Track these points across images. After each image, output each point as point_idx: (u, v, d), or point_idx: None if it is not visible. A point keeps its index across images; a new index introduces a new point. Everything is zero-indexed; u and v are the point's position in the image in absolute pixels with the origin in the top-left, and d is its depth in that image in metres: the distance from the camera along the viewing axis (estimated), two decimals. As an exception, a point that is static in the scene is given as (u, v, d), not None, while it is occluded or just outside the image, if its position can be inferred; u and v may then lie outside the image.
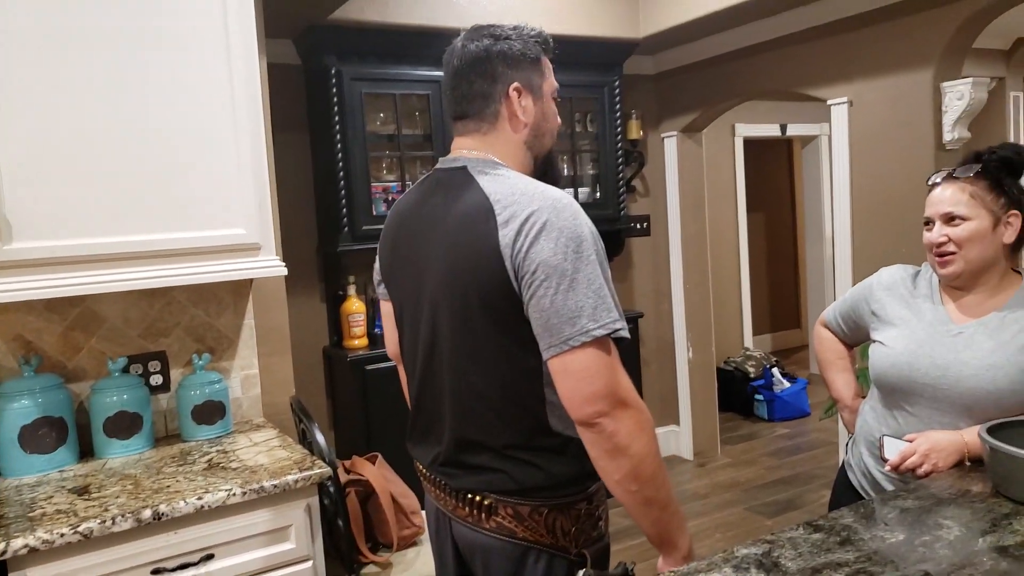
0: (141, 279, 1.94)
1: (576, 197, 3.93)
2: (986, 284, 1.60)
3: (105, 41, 1.87)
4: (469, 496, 1.31)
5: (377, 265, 1.54)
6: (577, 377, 1.17)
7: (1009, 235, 1.57)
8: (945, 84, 3.03)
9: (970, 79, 2.95)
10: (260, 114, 2.08)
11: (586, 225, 1.22)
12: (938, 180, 1.64)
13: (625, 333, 1.20)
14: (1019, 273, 1.62)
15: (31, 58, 1.79)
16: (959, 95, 2.97)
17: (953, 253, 1.58)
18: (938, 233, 1.59)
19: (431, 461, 1.39)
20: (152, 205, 1.94)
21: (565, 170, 4.03)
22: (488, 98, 1.33)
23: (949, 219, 1.58)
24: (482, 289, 1.23)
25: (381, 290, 1.55)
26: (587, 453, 1.24)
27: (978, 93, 2.97)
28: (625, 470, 1.20)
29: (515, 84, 1.33)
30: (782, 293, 7.45)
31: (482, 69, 1.33)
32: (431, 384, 1.37)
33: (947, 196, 1.59)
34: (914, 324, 1.66)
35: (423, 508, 2.20)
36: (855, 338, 1.87)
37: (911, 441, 1.57)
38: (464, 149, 1.36)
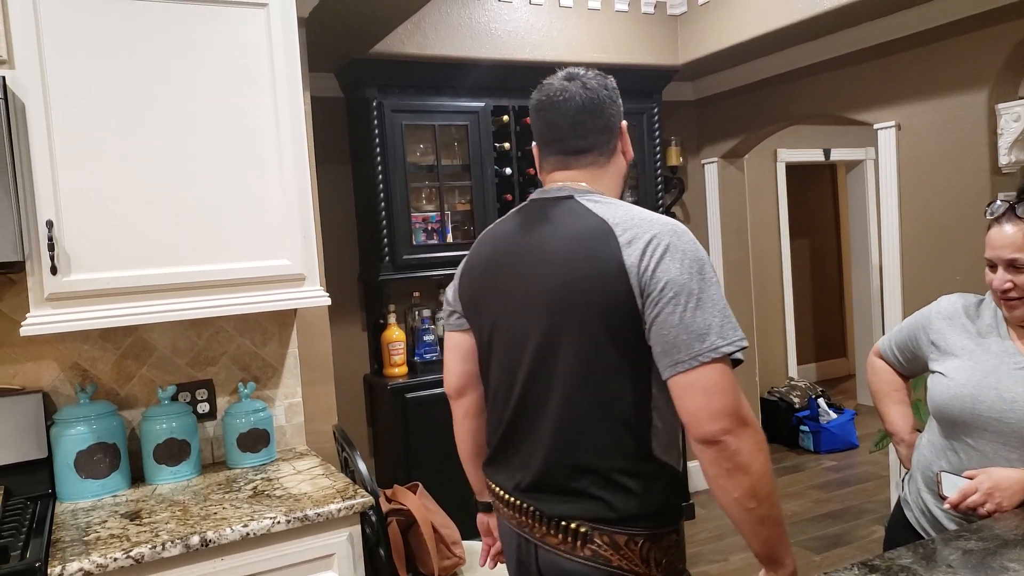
0: (190, 309, 1.99)
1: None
2: None
3: (160, 82, 1.93)
4: (563, 523, 1.31)
5: (451, 295, 1.55)
6: (706, 393, 1.19)
7: None
8: (1001, 106, 2.96)
9: (1026, 99, 2.88)
10: (304, 148, 2.13)
11: (702, 249, 1.27)
12: (999, 215, 1.55)
13: (743, 353, 1.23)
14: None
15: (94, 98, 1.86)
16: (1016, 116, 2.90)
17: (1020, 298, 1.53)
18: (1002, 279, 1.53)
19: (515, 487, 1.39)
20: (201, 238, 2.00)
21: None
22: (610, 134, 1.42)
23: (1013, 265, 1.51)
24: (604, 307, 1.25)
25: (453, 320, 1.56)
26: (678, 481, 1.31)
27: (1034, 115, 2.89)
28: (745, 488, 1.21)
29: (623, 122, 1.45)
30: (827, 321, 7.31)
31: (603, 109, 1.40)
32: (529, 408, 1.36)
33: (1009, 240, 1.51)
34: (978, 355, 1.59)
35: (464, 538, 2.19)
36: (912, 369, 1.81)
37: (971, 478, 1.51)
38: (568, 181, 1.40)
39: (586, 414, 1.29)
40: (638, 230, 1.25)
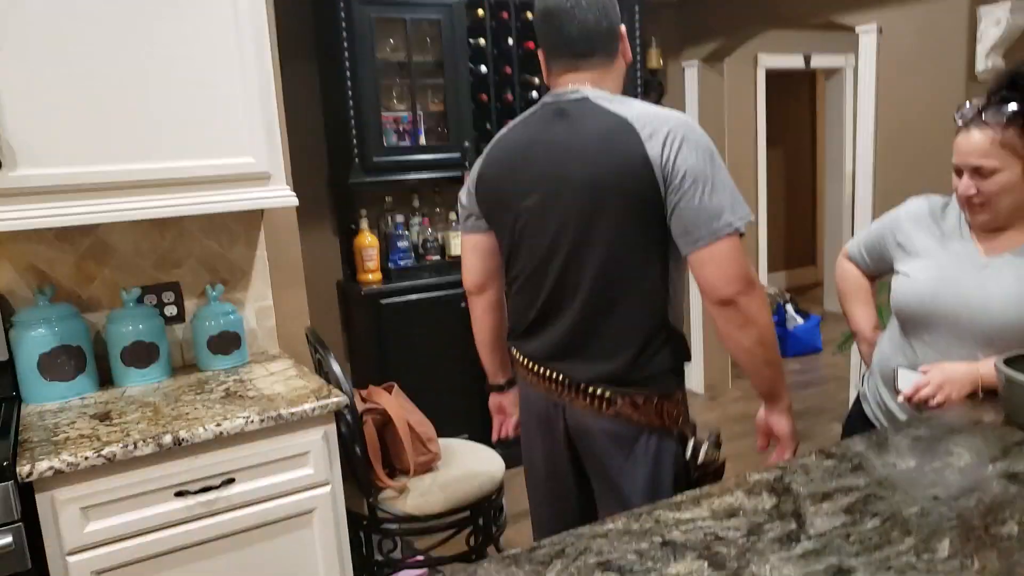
0: (149, 208, 1.92)
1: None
2: (1021, 219, 1.54)
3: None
4: (590, 389, 1.51)
5: (467, 200, 1.69)
6: (722, 264, 1.40)
7: None
8: (982, 8, 2.88)
9: (1008, 3, 2.80)
10: (265, 38, 2.03)
11: (709, 138, 1.44)
12: (968, 120, 1.52)
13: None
14: None
15: (33, -21, 1.75)
16: (996, 20, 2.83)
17: (983, 204, 1.52)
18: (966, 185, 1.52)
19: (547, 357, 1.58)
20: (158, 132, 1.92)
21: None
22: (612, 37, 1.52)
23: (978, 171, 1.50)
24: (631, 196, 1.42)
25: (471, 223, 1.70)
26: (684, 344, 1.54)
27: (1017, 19, 2.82)
28: (754, 338, 1.46)
29: (622, 25, 1.54)
30: (799, 230, 7.37)
31: (605, 12, 1.49)
32: (563, 290, 1.52)
33: (975, 147, 1.49)
34: (940, 256, 1.61)
35: (439, 436, 2.24)
36: (879, 270, 1.83)
37: (925, 372, 1.56)
38: (578, 83, 1.51)
39: (615, 292, 1.47)
40: (656, 125, 1.40)
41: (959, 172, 1.55)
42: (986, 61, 2.89)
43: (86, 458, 1.59)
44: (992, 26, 2.85)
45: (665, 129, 1.39)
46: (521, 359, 1.65)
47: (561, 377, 1.55)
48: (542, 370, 1.58)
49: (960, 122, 1.54)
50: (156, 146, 1.92)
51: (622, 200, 1.42)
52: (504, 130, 1.63)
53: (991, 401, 1.49)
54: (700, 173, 1.38)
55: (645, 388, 1.50)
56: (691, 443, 1.56)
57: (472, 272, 1.77)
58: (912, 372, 1.60)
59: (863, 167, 3.47)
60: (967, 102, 1.55)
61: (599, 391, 1.50)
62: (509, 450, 3.50)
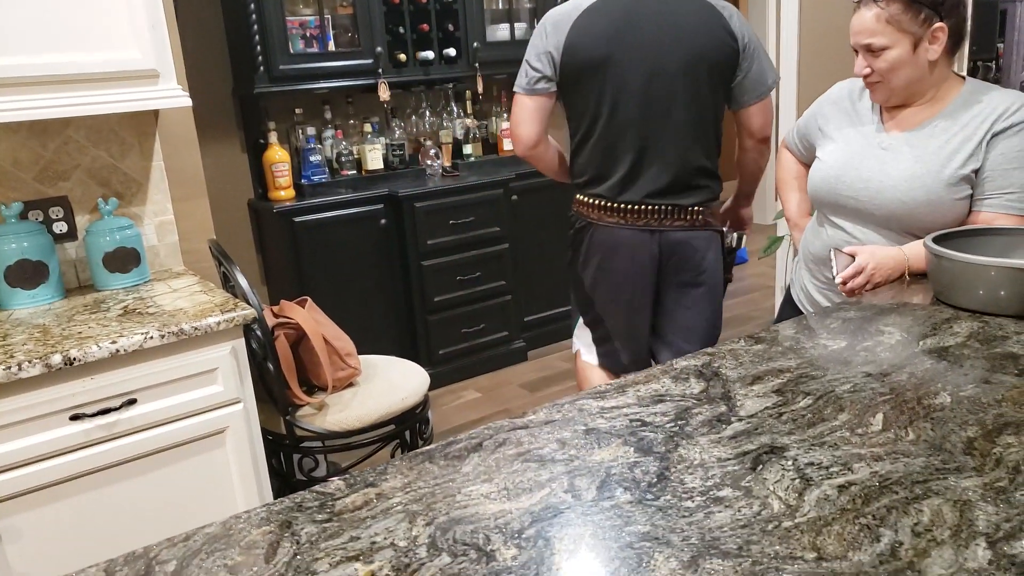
0: (23, 110, 1.73)
1: (512, 33, 3.71)
2: (922, 96, 1.53)
3: None
4: (690, 208, 1.94)
5: (544, 62, 1.91)
6: (767, 111, 2.01)
7: (935, 51, 1.46)
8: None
9: None
10: (145, -83, 1.81)
11: None
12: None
13: None
14: (963, 78, 1.54)
15: None
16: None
17: (878, 83, 1.52)
18: (860, 65, 1.52)
19: (649, 195, 1.93)
20: (30, 22, 1.71)
21: (500, 3, 3.78)
22: None
23: (869, 49, 1.49)
24: (719, 61, 1.88)
25: (540, 86, 1.94)
26: None
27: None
28: (767, 157, 2.13)
29: None
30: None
31: None
32: (659, 138, 1.90)
33: (864, 25, 1.48)
34: (851, 138, 1.62)
35: (359, 353, 2.15)
36: (811, 157, 1.81)
37: (853, 255, 1.54)
38: None
39: (699, 136, 1.93)
40: (725, 7, 1.87)
41: (856, 52, 1.54)
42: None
43: (-37, 383, 1.45)
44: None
45: (731, 9, 1.88)
46: (605, 203, 1.97)
47: (666, 207, 1.93)
48: (642, 207, 1.94)
49: (854, 1, 1.53)
50: (28, 38, 1.71)
51: (715, 68, 1.87)
52: (589, 3, 1.86)
53: (918, 283, 1.49)
54: (756, 45, 1.92)
55: (713, 202, 2.00)
56: (732, 236, 2.10)
57: (531, 133, 2.00)
58: (846, 257, 1.58)
59: (787, 72, 3.44)
60: None
61: (697, 209, 1.94)
62: (435, 368, 3.46)
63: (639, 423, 1.00)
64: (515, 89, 1.99)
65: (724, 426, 0.98)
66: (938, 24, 1.44)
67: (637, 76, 1.85)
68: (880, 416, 0.98)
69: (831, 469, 0.86)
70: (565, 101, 1.99)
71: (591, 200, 1.99)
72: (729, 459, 0.90)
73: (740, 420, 1.00)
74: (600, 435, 0.97)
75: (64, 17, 1.75)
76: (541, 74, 1.92)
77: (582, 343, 2.22)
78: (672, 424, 0.99)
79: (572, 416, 1.03)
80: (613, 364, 2.15)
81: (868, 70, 1.51)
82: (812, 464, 0.87)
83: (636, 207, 1.94)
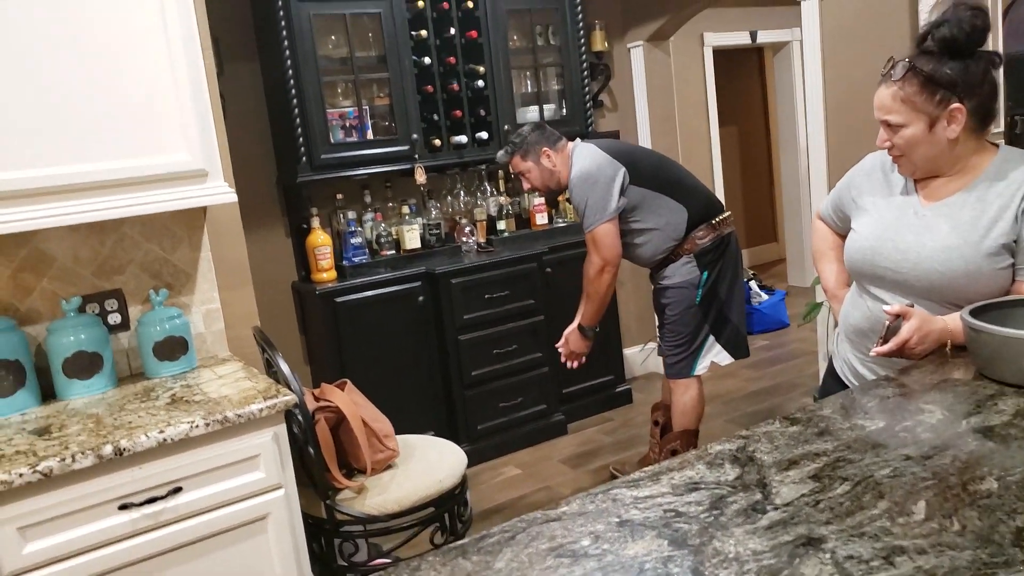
0: (85, 212, 1.85)
1: (541, 114, 3.82)
2: (952, 168, 1.54)
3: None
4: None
5: (621, 195, 2.74)
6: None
7: (953, 130, 1.47)
8: (919, -30, 2.91)
9: (944, -37, 2.83)
10: (195, 34, 1.96)
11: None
12: (882, 75, 1.55)
13: None
14: (996, 145, 1.55)
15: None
16: (934, -20, 2.85)
17: (900, 156, 1.54)
18: (881, 138, 1.55)
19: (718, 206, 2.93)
20: (91, 134, 1.84)
21: (528, 87, 3.92)
22: None
23: (888, 125, 1.52)
24: None
25: (617, 212, 2.77)
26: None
27: (953, -21, 2.85)
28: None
29: None
30: (758, 207, 7.40)
31: None
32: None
33: (881, 102, 1.52)
34: (884, 209, 1.63)
35: (396, 433, 2.17)
36: (845, 228, 1.82)
37: (901, 315, 1.48)
38: None
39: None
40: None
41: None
42: (930, 19, 2.89)
43: (20, 475, 1.51)
44: (931, -14, 2.87)
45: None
46: (717, 222, 2.85)
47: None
48: (726, 218, 2.90)
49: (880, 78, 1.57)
50: (89, 148, 1.85)
51: None
52: (605, 142, 2.89)
53: (960, 356, 1.46)
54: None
55: None
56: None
57: (619, 249, 2.79)
58: (893, 318, 1.55)
59: (815, 139, 3.47)
60: (890, 59, 1.55)
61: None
62: (474, 445, 3.46)
63: (673, 513, 1.00)
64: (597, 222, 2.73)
65: (759, 515, 0.97)
66: (955, 105, 1.45)
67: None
68: (922, 504, 0.96)
69: (872, 563, 0.84)
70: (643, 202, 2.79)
71: (717, 220, 2.85)
72: (765, 552, 0.89)
73: (776, 508, 0.99)
74: (634, 527, 0.98)
75: (121, 127, 1.88)
76: (619, 205, 2.74)
77: (709, 359, 2.93)
78: (706, 514, 0.99)
79: (606, 507, 1.03)
80: (740, 344, 2.96)
81: (889, 144, 1.54)
82: (852, 557, 0.86)
83: (725, 219, 2.90)
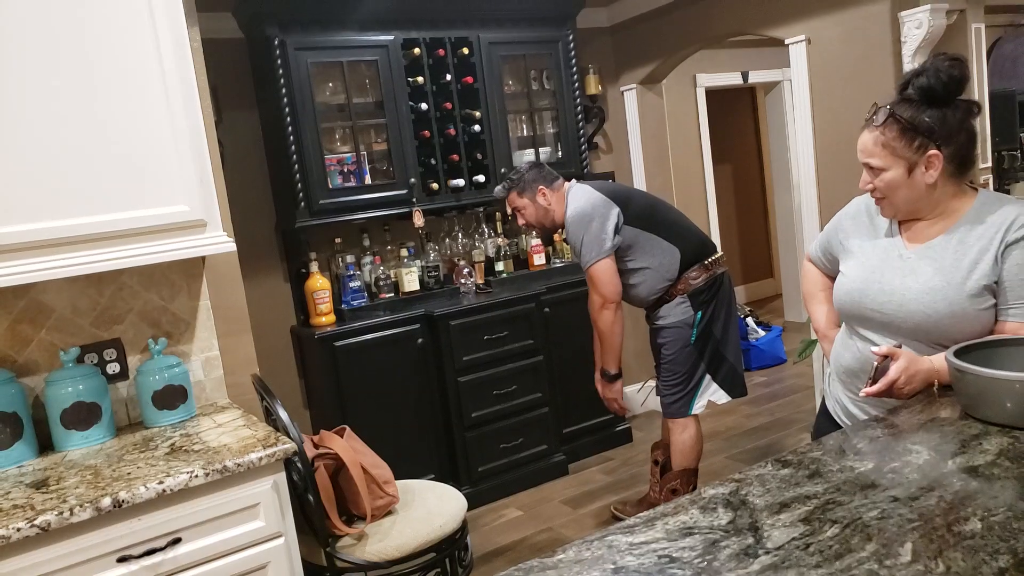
0: (83, 264, 1.87)
1: (537, 157, 3.87)
2: (932, 211, 1.57)
3: (26, 23, 1.77)
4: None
5: (616, 234, 2.81)
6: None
7: (931, 175, 1.51)
8: (903, 13, 2.99)
9: (928, 6, 2.90)
10: (193, 87, 2.00)
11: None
12: (865, 119, 1.59)
13: None
14: (976, 189, 1.59)
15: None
16: (917, 24, 2.93)
17: (882, 199, 1.58)
18: (864, 181, 1.60)
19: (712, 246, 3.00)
20: (90, 187, 1.87)
21: (524, 130, 3.98)
22: None
23: (869, 167, 1.57)
24: None
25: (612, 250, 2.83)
26: None
27: (937, 20, 2.92)
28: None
29: None
30: (753, 244, 7.45)
31: None
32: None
33: (863, 146, 1.57)
34: (869, 252, 1.66)
35: (396, 478, 2.17)
36: (834, 270, 1.86)
37: (889, 355, 1.50)
38: None
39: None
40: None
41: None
42: (912, 63, 2.97)
43: (18, 529, 1.51)
44: (914, 29, 2.94)
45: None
46: (710, 263, 2.90)
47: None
48: (719, 259, 2.94)
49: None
50: (88, 200, 1.87)
51: None
52: (599, 184, 2.97)
53: (946, 395, 1.48)
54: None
55: None
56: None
57: (618, 286, 2.85)
58: (880, 359, 1.57)
59: (806, 176, 3.53)
60: (874, 104, 1.60)
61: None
62: (475, 487, 3.45)
63: (667, 559, 1.01)
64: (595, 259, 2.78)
65: (751, 560, 0.99)
66: (933, 152, 1.49)
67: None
68: (909, 545, 0.97)
69: (860, 606, 0.86)
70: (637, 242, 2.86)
71: (710, 261, 2.89)
72: (756, 597, 0.90)
73: (767, 552, 1.00)
74: (629, 573, 0.98)
75: (120, 179, 1.91)
76: (615, 244, 2.81)
77: (707, 399, 2.96)
78: (700, 559, 1.00)
79: (601, 554, 1.04)
80: (736, 383, 2.98)
81: (871, 186, 1.59)
82: (840, 601, 0.87)
83: (718, 259, 2.96)
